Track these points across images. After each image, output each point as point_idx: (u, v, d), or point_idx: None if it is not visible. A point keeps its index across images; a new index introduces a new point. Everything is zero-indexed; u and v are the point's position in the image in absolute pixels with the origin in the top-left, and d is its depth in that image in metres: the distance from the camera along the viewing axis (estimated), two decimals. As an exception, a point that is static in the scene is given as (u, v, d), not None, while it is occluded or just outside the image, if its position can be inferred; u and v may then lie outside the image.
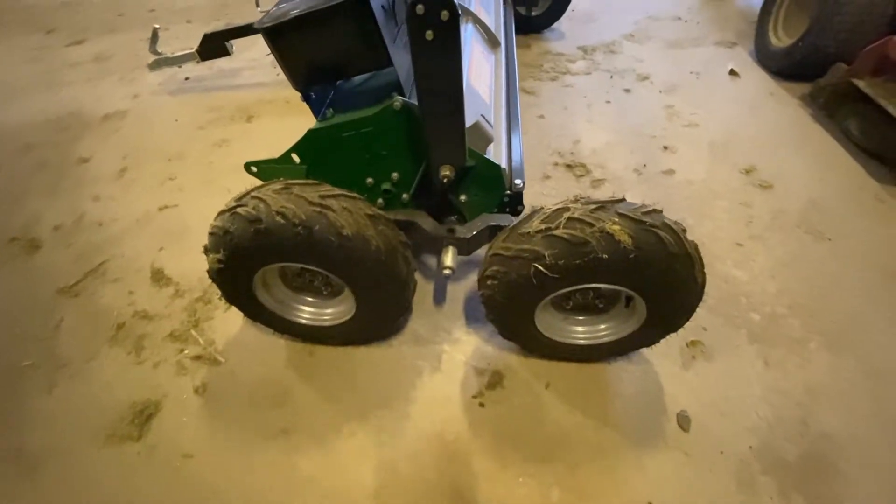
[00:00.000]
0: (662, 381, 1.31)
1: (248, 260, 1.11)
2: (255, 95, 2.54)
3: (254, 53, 2.86)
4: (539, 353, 1.34)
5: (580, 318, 1.23)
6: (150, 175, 2.03)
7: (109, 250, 1.69)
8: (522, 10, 2.98)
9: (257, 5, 2.45)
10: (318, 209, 1.02)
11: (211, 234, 1.10)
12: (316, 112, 1.34)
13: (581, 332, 1.23)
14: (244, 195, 1.09)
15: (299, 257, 1.08)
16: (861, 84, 2.06)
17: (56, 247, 1.72)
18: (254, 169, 1.43)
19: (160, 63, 2.52)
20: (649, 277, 0.99)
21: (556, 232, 0.97)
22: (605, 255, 0.95)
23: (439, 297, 1.53)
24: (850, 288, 1.55)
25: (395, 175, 1.33)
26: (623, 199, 1.02)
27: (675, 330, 1.14)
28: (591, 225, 0.95)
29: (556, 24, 3.13)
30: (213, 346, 1.38)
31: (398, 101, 1.19)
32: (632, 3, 3.53)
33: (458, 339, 1.40)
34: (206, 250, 1.12)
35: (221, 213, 1.09)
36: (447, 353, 1.37)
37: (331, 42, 1.11)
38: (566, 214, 0.98)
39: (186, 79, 2.70)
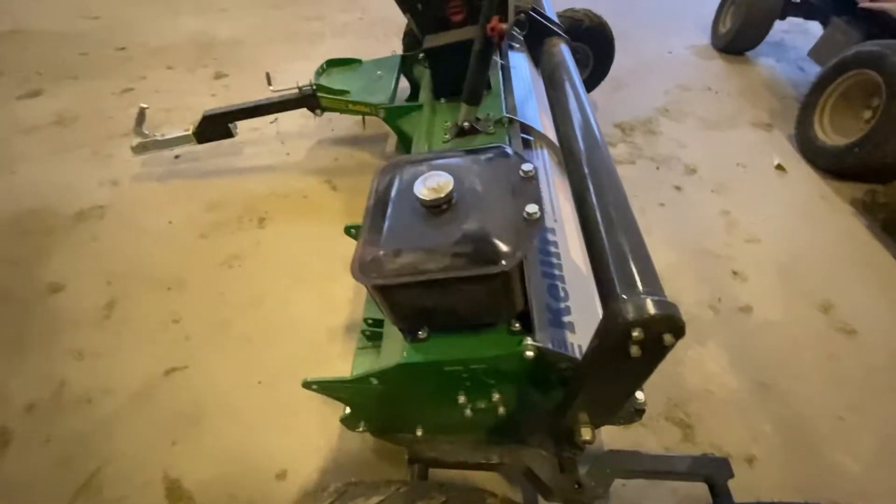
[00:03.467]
0: None
1: None
2: (265, 185, 2.16)
3: (255, 122, 2.46)
4: None
5: None
6: (147, 313, 1.65)
7: (104, 448, 1.32)
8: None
9: (269, 83, 2.07)
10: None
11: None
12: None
13: None
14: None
15: None
16: (936, 215, 1.96)
17: (30, 442, 1.33)
18: (314, 386, 1.12)
19: (147, 146, 2.09)
20: None
21: None
22: None
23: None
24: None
25: (496, 396, 1.06)
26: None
27: None
28: None
29: (590, 94, 2.90)
30: None
31: (530, 346, 0.92)
32: (658, 68, 3.36)
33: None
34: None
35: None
36: None
37: (464, 300, 0.83)
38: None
39: (176, 157, 2.28)
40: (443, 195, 0.82)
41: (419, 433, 1.17)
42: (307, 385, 1.12)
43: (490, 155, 0.96)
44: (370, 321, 1.40)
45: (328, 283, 1.78)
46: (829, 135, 2.56)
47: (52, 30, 3.20)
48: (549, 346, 0.94)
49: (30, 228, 1.90)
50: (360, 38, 3.38)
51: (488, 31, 1.23)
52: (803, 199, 2.39)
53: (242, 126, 2.33)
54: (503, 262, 0.74)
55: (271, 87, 2.08)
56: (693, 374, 1.61)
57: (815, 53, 2.94)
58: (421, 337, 1.00)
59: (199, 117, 2.08)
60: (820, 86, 2.57)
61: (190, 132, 2.07)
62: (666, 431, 1.46)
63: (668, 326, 0.63)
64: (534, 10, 1.26)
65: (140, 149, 2.08)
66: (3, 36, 3.11)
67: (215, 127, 2.08)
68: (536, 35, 1.33)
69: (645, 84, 3.16)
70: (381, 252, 0.80)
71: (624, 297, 0.65)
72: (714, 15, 3.72)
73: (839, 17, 2.83)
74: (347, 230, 1.42)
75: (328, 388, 1.12)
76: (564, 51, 1.25)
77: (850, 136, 2.43)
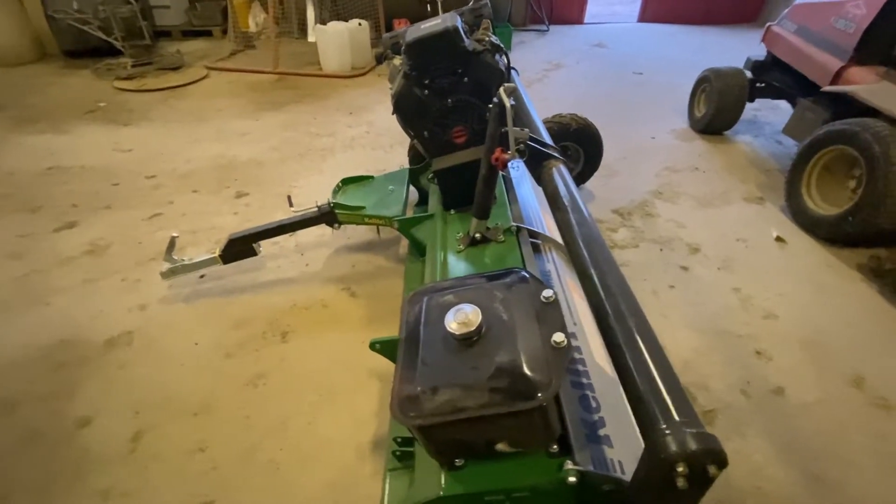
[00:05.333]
0: None
1: None
2: (286, 299, 2.24)
3: (275, 238, 2.61)
4: None
5: None
6: (174, 444, 1.63)
7: None
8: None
9: (290, 205, 2.24)
10: None
11: None
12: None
13: None
14: None
15: None
16: (944, 278, 1.99)
17: None
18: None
19: (175, 271, 2.21)
20: None
21: None
22: None
23: None
24: None
25: None
26: None
27: None
28: None
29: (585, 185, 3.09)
30: None
31: (572, 471, 0.91)
32: (645, 153, 3.60)
33: None
34: None
35: None
36: None
37: (503, 432, 0.85)
38: None
39: (202, 276, 2.39)
40: (473, 328, 0.87)
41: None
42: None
43: (509, 280, 1.03)
44: (399, 440, 1.39)
45: (353, 395, 1.78)
46: (819, 205, 2.68)
47: (89, 164, 3.51)
48: (591, 467, 0.94)
49: (62, 360, 1.94)
50: (368, 150, 3.68)
51: (492, 161, 1.37)
52: (810, 270, 2.43)
53: (264, 245, 2.47)
54: (539, 396, 0.77)
55: (292, 208, 2.25)
56: (739, 469, 1.55)
57: (790, 131, 3.17)
58: (458, 465, 0.99)
59: (224, 239, 2.22)
60: (801, 161, 2.74)
61: (216, 254, 2.20)
62: (721, 541, 1.37)
63: (711, 459, 0.65)
64: (531, 138, 1.41)
65: (169, 274, 2.20)
66: (43, 173, 3.41)
67: (240, 248, 2.22)
68: (535, 159, 1.48)
69: (635, 170, 3.37)
70: (419, 390, 0.84)
71: (666, 430, 0.67)
72: (688, 101, 4.06)
73: (805, 97, 3.09)
74: (372, 346, 1.45)
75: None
76: (563, 172, 1.38)
77: (840, 205, 2.54)
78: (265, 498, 1.47)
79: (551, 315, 0.91)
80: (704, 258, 2.51)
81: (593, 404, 1.14)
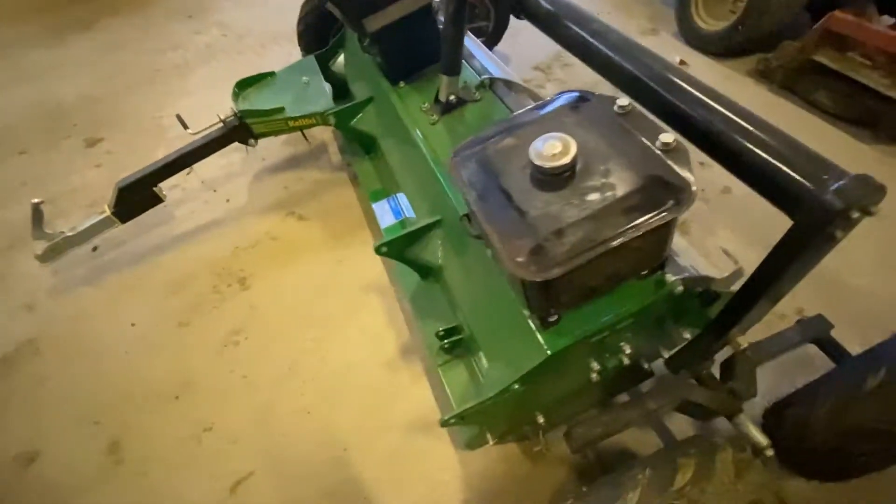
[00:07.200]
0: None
1: None
2: (222, 243, 1.85)
3: (171, 179, 2.08)
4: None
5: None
6: (166, 437, 1.34)
7: None
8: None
9: (185, 127, 1.74)
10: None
11: None
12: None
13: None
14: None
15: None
16: (825, 60, 2.28)
17: None
18: (452, 420, 0.98)
19: (57, 249, 1.66)
20: None
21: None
22: None
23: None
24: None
25: (627, 349, 1.02)
26: None
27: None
28: None
29: (496, 48, 2.90)
30: None
31: (677, 281, 0.89)
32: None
33: None
34: None
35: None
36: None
37: (629, 257, 0.76)
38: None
39: (94, 249, 1.85)
40: (570, 157, 0.73)
41: (540, 420, 1.10)
42: (445, 423, 0.99)
43: (566, 103, 0.88)
44: (442, 332, 1.27)
45: (356, 315, 1.59)
46: (709, 23, 2.84)
47: None
48: (687, 273, 0.92)
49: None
50: (234, 56, 3.00)
51: (464, -13, 1.12)
52: (714, 83, 2.61)
53: (164, 188, 1.95)
54: (683, 199, 0.68)
55: (189, 130, 1.75)
56: (716, 258, 1.73)
57: (667, -44, 3.21)
58: (552, 321, 0.91)
59: (112, 194, 1.69)
60: (688, -17, 2.82)
61: (108, 213, 1.68)
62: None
63: (873, 197, 0.63)
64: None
65: (49, 254, 1.64)
66: None
67: (137, 198, 1.72)
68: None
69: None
70: (541, 239, 0.70)
71: (814, 189, 0.63)
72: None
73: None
74: (378, 249, 1.26)
75: (469, 415, 1.00)
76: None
77: (727, 19, 2.72)
78: (309, 447, 1.30)
79: (640, 121, 0.80)
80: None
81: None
